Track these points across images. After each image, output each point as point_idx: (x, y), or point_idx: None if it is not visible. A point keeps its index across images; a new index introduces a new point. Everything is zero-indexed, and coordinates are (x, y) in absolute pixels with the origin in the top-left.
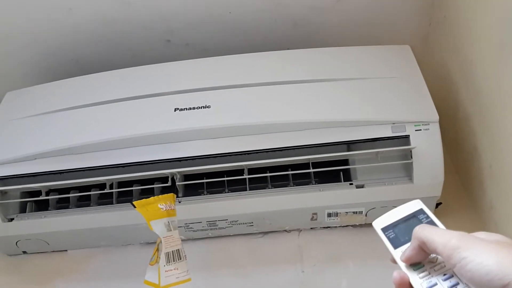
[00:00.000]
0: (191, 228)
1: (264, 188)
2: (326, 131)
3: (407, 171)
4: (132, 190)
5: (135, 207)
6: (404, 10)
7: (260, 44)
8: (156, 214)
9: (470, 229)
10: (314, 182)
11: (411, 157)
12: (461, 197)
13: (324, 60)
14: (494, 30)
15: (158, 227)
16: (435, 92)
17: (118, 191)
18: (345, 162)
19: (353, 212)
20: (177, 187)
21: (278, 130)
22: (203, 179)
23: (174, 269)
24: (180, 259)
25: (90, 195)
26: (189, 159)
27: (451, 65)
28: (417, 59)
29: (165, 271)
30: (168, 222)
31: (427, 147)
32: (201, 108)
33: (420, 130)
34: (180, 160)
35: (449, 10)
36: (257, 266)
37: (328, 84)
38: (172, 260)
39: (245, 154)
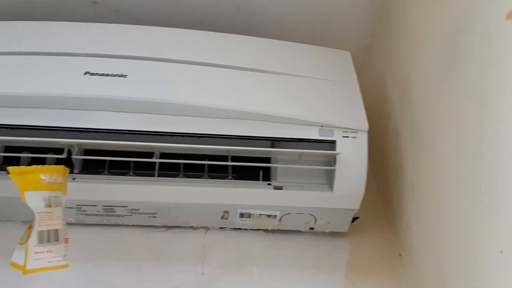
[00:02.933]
0: (83, 211)
1: (174, 176)
2: (250, 123)
3: (329, 179)
4: (19, 157)
5: (9, 173)
6: (349, 16)
7: (198, 23)
8: (35, 185)
9: (385, 249)
10: (230, 178)
11: (335, 164)
12: (379, 214)
13: (261, 51)
14: (436, 45)
15: (33, 200)
16: (369, 103)
17: (3, 156)
18: (266, 160)
19: (267, 215)
20: (73, 161)
21: (198, 115)
22: (106, 156)
23: (47, 251)
24: (58, 241)
25: None
26: (92, 131)
27: (389, 78)
28: (357, 67)
29: (35, 252)
30: (49, 196)
31: (352, 156)
32: (115, 76)
33: (348, 137)
34: (81, 131)
35: (394, 22)
36: (153, 263)
37: (260, 76)
38: (46, 240)
39: (157, 135)
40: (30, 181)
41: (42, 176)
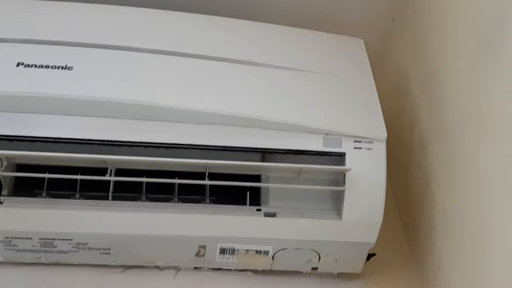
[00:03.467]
0: (14, 245)
1: (134, 200)
2: (235, 130)
3: (336, 203)
4: None
5: None
6: None
7: (179, 2)
8: None
9: None
10: (208, 201)
11: (344, 184)
12: (402, 250)
13: (253, 37)
14: (473, 32)
15: None
16: (388, 105)
17: None
18: (255, 178)
19: (256, 251)
20: (1, 180)
21: (167, 119)
22: (44, 173)
23: None
24: None
25: None
26: (26, 140)
27: (413, 73)
28: (372, 59)
29: None
30: None
31: (367, 173)
32: (57, 68)
33: (361, 148)
34: (11, 140)
35: (419, 2)
36: None
37: (250, 69)
38: None
39: (112, 145)
40: None
41: None
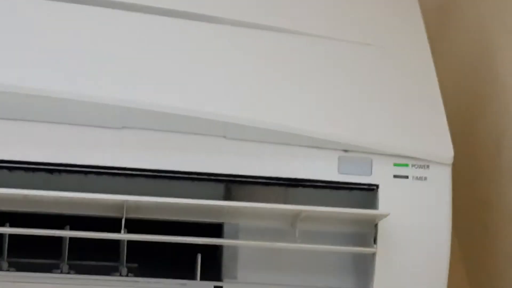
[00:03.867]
0: None
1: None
2: (175, 140)
3: (361, 277)
4: None
5: None
6: None
7: None
8: None
9: None
10: (126, 272)
11: (374, 242)
12: None
13: None
14: None
15: None
16: (456, 100)
17: None
18: (214, 229)
19: None
20: None
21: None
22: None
23: None
24: None
25: None
26: None
27: (503, 40)
28: (432, 23)
29: None
30: None
31: (417, 222)
32: None
33: (406, 177)
34: None
35: None
36: None
37: (211, 27)
38: None
39: None
40: None
41: None
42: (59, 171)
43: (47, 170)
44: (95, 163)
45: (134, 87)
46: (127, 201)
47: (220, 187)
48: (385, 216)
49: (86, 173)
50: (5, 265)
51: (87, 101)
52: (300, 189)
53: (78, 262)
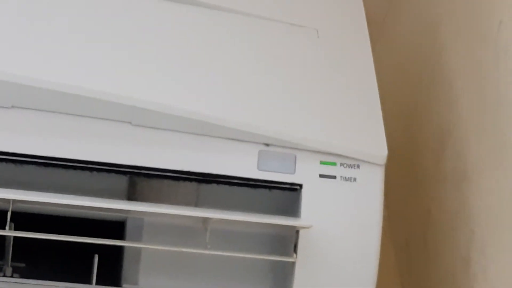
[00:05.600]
0: None
1: None
2: (70, 124)
3: (277, 284)
4: None
5: None
6: None
7: None
8: None
9: None
10: (10, 272)
11: (295, 250)
12: None
13: None
14: None
15: None
16: (394, 91)
17: None
18: (115, 227)
19: None
20: None
21: None
22: None
23: None
24: None
25: None
26: None
27: (446, 28)
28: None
29: None
30: None
31: (344, 227)
32: None
33: (334, 177)
34: None
35: None
36: None
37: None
38: None
39: None
40: None
41: None
42: None
43: None
44: None
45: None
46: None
47: (124, 180)
48: (307, 227)
49: None
50: None
51: None
52: (214, 186)
53: None
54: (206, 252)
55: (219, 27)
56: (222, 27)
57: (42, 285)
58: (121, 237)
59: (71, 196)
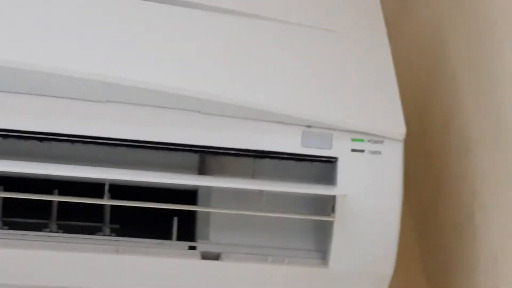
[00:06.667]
0: None
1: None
2: (149, 114)
3: (321, 240)
4: None
5: None
6: None
7: None
8: None
9: None
10: (109, 232)
11: (333, 210)
12: None
13: None
14: None
15: None
16: (409, 85)
17: None
18: (189, 195)
19: None
20: None
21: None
22: None
23: None
24: None
25: None
26: None
27: (452, 31)
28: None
29: None
30: None
31: (371, 193)
32: None
33: (363, 151)
34: None
35: None
36: None
37: (188, 12)
38: None
39: None
40: None
41: None
42: (49, 139)
43: (38, 139)
44: (81, 133)
45: (117, 63)
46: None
47: (195, 158)
48: (343, 195)
49: (73, 142)
50: None
51: (73, 76)
52: (267, 160)
53: (66, 222)
54: (262, 214)
55: (258, 33)
56: (259, 33)
57: (137, 242)
58: (194, 202)
59: (162, 173)
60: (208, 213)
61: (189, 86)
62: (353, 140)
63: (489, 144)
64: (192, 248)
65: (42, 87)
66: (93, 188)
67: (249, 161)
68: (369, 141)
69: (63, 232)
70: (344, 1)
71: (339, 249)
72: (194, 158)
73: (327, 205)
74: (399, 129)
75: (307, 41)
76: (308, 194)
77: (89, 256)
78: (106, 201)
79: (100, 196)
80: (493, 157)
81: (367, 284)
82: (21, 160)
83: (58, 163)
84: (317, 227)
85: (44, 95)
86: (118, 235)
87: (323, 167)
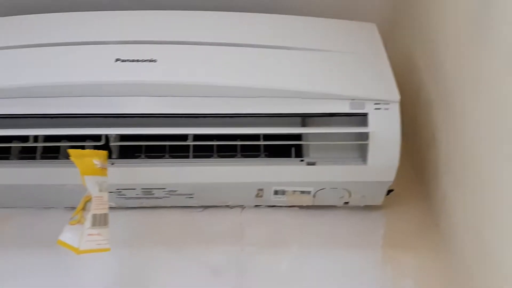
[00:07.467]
0: (123, 195)
1: (208, 157)
2: (281, 101)
3: (362, 152)
4: (59, 146)
5: (70, 156)
6: None
7: (218, 4)
8: (91, 170)
9: (422, 220)
10: (263, 156)
11: (367, 138)
12: (414, 186)
13: (285, 27)
14: (463, 4)
15: (91, 183)
16: (398, 75)
17: (43, 146)
18: (297, 137)
19: (301, 192)
20: (111, 147)
21: (229, 95)
22: (142, 141)
23: (97, 234)
24: (106, 225)
25: (10, 147)
26: (127, 117)
27: (417, 46)
28: (383, 38)
29: (88, 234)
30: (101, 181)
31: (385, 127)
32: (145, 61)
33: (380, 109)
34: (116, 117)
35: None
36: (192, 242)
37: (287, 52)
38: (98, 224)
39: (190, 117)
40: (87, 164)
41: (95, 161)
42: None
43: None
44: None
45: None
46: (262, 129)
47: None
48: (370, 130)
49: None
50: (189, 157)
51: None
52: (335, 117)
53: (245, 153)
54: (333, 143)
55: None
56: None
57: (277, 160)
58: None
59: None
60: (308, 144)
61: (295, 85)
62: (375, 104)
63: (478, 114)
64: (302, 160)
65: None
66: (253, 137)
67: (327, 119)
68: (382, 103)
69: (244, 158)
70: (353, 34)
71: (371, 156)
72: (299, 120)
73: (364, 136)
74: (396, 97)
75: (339, 59)
76: (357, 131)
77: (255, 168)
78: (262, 142)
79: (258, 140)
80: (482, 121)
81: (385, 172)
82: None
83: None
84: (360, 147)
85: None
86: (268, 157)
87: (361, 118)
